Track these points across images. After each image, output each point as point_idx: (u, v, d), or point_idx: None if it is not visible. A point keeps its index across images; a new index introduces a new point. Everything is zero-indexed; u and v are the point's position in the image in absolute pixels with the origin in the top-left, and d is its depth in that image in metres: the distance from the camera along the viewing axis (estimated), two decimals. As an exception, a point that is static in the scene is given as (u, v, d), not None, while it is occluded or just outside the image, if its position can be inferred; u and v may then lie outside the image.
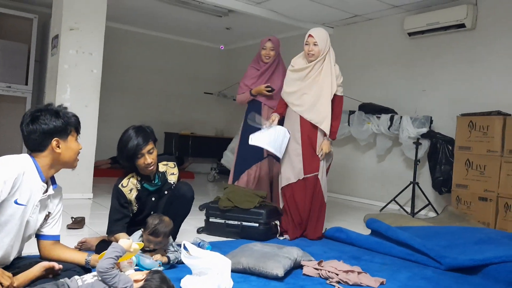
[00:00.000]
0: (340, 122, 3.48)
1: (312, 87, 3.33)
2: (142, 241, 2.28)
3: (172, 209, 2.51)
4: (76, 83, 4.44)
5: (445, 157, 4.71)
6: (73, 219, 3.21)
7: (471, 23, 4.79)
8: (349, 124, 5.69)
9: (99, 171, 6.44)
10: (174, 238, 2.60)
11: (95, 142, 4.58)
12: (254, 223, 3.13)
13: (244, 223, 3.13)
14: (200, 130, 8.27)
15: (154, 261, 2.19)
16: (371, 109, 5.45)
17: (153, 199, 2.49)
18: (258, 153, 3.65)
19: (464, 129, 4.42)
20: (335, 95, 3.43)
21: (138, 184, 2.44)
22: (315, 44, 3.32)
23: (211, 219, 3.24)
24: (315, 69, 3.38)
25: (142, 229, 2.31)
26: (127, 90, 7.63)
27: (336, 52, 6.50)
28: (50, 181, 1.89)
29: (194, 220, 3.54)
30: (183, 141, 7.84)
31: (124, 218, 2.39)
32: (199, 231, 3.29)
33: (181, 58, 8.20)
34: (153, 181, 2.48)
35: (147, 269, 2.15)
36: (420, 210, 4.95)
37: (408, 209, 5.01)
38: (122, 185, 2.41)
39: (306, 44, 3.37)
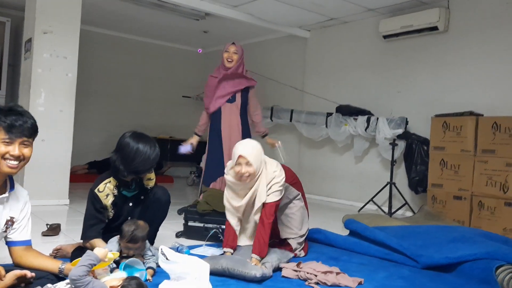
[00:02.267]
0: None
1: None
2: (120, 248, 2.26)
3: (148, 213, 2.49)
4: (51, 88, 4.37)
5: (421, 157, 4.80)
6: (48, 226, 3.15)
7: (443, 26, 4.90)
8: (326, 126, 5.74)
9: (76, 177, 6.33)
10: (152, 243, 2.58)
11: (70, 147, 4.50)
12: (233, 226, 3.11)
13: (223, 227, 3.11)
14: (179, 134, 8.20)
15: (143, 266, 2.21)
16: (348, 111, 5.51)
17: (130, 204, 2.47)
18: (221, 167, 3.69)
19: (438, 130, 4.51)
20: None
21: (115, 189, 2.41)
22: (248, 165, 2.52)
23: (189, 223, 3.22)
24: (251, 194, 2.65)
25: (118, 236, 2.28)
26: (104, 94, 7.53)
27: (312, 55, 6.57)
28: (8, 184, 1.81)
29: (173, 224, 3.51)
30: (161, 145, 7.53)
31: (99, 224, 2.36)
32: (178, 235, 3.26)
33: (159, 61, 8.14)
34: (131, 187, 2.45)
35: (139, 270, 2.15)
36: (397, 210, 5.02)
37: (386, 209, 5.08)
38: (98, 190, 2.38)
39: (237, 165, 2.55)
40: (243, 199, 2.61)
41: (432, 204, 4.50)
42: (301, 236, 2.79)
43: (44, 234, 3.07)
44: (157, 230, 2.62)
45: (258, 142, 2.70)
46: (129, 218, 2.47)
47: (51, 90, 4.37)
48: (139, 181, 2.50)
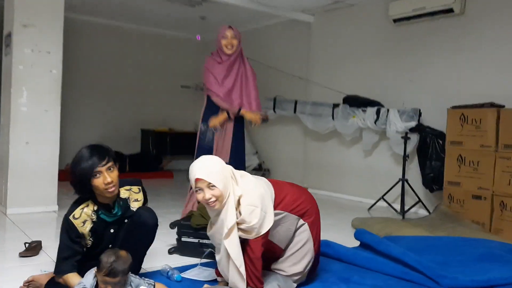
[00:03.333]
0: None
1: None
2: (96, 282, 1.95)
3: (132, 239, 2.16)
4: (33, 86, 4.03)
5: (436, 152, 4.44)
6: (26, 245, 2.85)
7: (459, 8, 4.48)
8: (333, 118, 5.38)
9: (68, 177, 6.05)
10: (138, 271, 2.27)
11: (57, 149, 4.18)
12: (231, 242, 2.80)
13: (220, 242, 2.80)
14: (178, 126, 7.89)
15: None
16: (356, 102, 5.14)
17: (111, 231, 2.14)
18: None
19: (455, 123, 4.14)
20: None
21: (93, 215, 2.08)
22: (211, 187, 2.06)
23: (183, 239, 2.91)
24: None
25: (95, 268, 1.97)
26: (98, 87, 7.20)
27: (317, 41, 6.16)
28: None
29: (166, 236, 3.20)
30: (160, 138, 7.47)
31: (75, 256, 2.04)
32: (171, 251, 2.96)
33: (155, 50, 7.76)
34: (112, 210, 2.12)
35: None
36: (410, 208, 4.69)
37: (397, 206, 4.74)
38: (73, 216, 2.05)
39: (198, 192, 2.09)
40: (213, 228, 2.19)
41: (448, 203, 4.16)
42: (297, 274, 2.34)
43: (22, 255, 2.77)
44: (143, 257, 2.31)
45: (219, 158, 2.20)
46: (110, 246, 2.15)
47: (34, 89, 4.03)
48: (124, 204, 2.17)
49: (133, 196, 2.22)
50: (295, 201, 2.29)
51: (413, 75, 4.94)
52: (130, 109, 7.51)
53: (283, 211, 2.23)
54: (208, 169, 2.07)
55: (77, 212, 2.06)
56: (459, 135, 4.11)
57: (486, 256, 2.53)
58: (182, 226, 2.92)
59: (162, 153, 7.45)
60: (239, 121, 3.64)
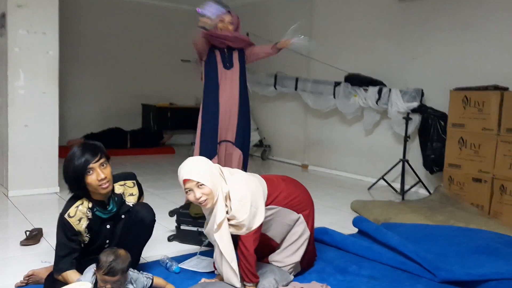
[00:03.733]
0: None
1: None
2: (96, 280, 1.98)
3: (130, 235, 2.18)
4: (30, 68, 3.98)
5: (437, 133, 4.41)
6: (27, 233, 2.88)
7: (466, -15, 4.35)
8: (334, 97, 5.32)
9: (71, 152, 6.07)
10: (136, 265, 2.29)
11: (57, 131, 4.17)
12: (230, 230, 2.82)
13: (218, 231, 2.82)
14: (179, 101, 7.83)
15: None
16: (357, 81, 5.07)
17: (107, 226, 2.15)
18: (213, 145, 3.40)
19: (457, 105, 4.09)
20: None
21: (88, 212, 2.09)
22: (200, 186, 2.05)
23: (182, 227, 2.93)
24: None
25: (94, 266, 1.99)
26: (98, 61, 7.11)
27: (319, 17, 6.02)
28: None
29: (167, 221, 3.23)
30: (161, 114, 7.43)
31: (73, 253, 2.06)
32: (170, 239, 2.98)
33: (154, 23, 7.61)
34: (107, 207, 2.13)
35: None
36: (409, 189, 4.70)
37: (397, 186, 4.75)
38: (68, 214, 2.06)
39: (188, 193, 2.09)
40: (208, 225, 2.20)
41: (448, 185, 4.16)
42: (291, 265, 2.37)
43: (23, 243, 2.80)
44: (141, 252, 2.33)
45: (205, 158, 2.20)
46: (107, 241, 2.17)
47: (31, 71, 3.98)
48: (119, 200, 2.17)
49: (128, 191, 2.22)
50: (290, 195, 2.30)
51: (416, 54, 4.85)
52: (130, 84, 7.45)
53: (276, 206, 2.25)
54: (194, 169, 2.08)
55: (72, 210, 2.06)
56: (461, 117, 4.06)
57: (482, 249, 2.54)
58: (181, 215, 2.94)
59: (163, 128, 7.43)
60: (244, 97, 3.56)
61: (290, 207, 2.29)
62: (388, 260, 2.67)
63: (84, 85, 6.99)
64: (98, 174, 2.02)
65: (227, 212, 2.11)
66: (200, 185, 2.05)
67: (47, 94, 4.07)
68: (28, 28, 3.93)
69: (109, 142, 6.57)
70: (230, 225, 2.12)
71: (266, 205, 2.20)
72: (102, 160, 2.05)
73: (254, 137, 6.74)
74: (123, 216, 2.19)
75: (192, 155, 3.49)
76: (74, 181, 2.05)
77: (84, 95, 7.02)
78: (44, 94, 4.05)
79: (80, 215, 2.07)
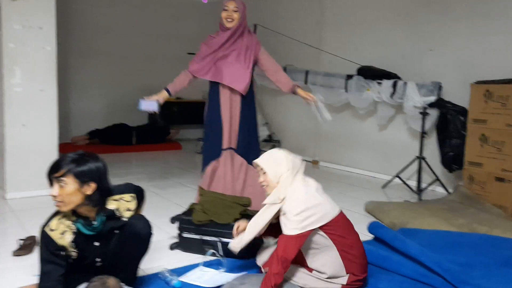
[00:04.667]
0: None
1: None
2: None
3: (124, 251, 1.98)
4: (27, 65, 3.79)
5: (456, 129, 4.15)
6: (21, 242, 2.71)
7: (488, -31, 4.06)
8: (346, 91, 5.08)
9: (76, 149, 5.90)
10: (134, 281, 2.10)
11: (56, 129, 3.99)
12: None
13: (223, 239, 2.63)
14: (186, 95, 7.61)
15: None
16: (371, 74, 4.82)
17: (96, 244, 1.95)
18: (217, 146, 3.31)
19: (479, 99, 3.83)
20: None
21: (72, 225, 1.89)
22: (263, 173, 2.27)
23: (184, 235, 2.74)
24: None
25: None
26: (103, 54, 6.93)
27: (330, 6, 5.76)
28: None
29: (169, 226, 3.03)
30: (167, 108, 7.21)
31: (57, 270, 1.85)
32: (172, 247, 2.80)
33: (161, 15, 7.40)
34: (93, 223, 1.92)
35: None
36: (426, 187, 4.45)
37: (413, 183, 4.51)
38: (50, 228, 1.86)
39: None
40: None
41: (468, 184, 3.92)
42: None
43: (16, 254, 2.63)
44: (138, 267, 2.13)
45: (285, 153, 2.30)
46: (97, 259, 1.97)
47: (27, 68, 3.80)
48: (109, 216, 1.96)
49: (124, 206, 2.01)
50: (352, 246, 2.17)
51: (433, 45, 4.57)
52: (136, 77, 7.26)
53: (328, 238, 2.11)
54: (266, 156, 2.29)
55: (53, 223, 1.87)
56: (482, 113, 3.81)
57: (512, 261, 2.32)
58: (184, 222, 2.74)
59: (170, 123, 7.24)
60: (246, 97, 3.37)
61: (344, 257, 2.12)
62: (408, 272, 2.46)
63: (89, 79, 6.82)
64: (52, 189, 1.83)
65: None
66: (263, 171, 2.22)
67: (45, 91, 3.89)
68: (24, 23, 3.74)
69: (114, 139, 6.44)
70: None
71: (324, 228, 2.10)
72: (60, 176, 1.79)
73: (263, 132, 6.53)
74: (116, 232, 1.99)
75: (199, 151, 3.42)
76: None
77: (89, 89, 6.86)
78: (42, 92, 3.87)
79: (63, 228, 1.87)
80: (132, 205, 2.02)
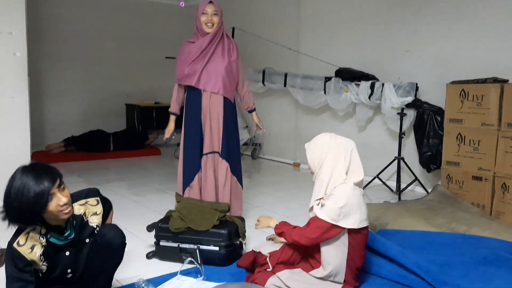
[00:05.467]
0: None
1: None
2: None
3: (96, 262, 1.91)
4: (-4, 71, 3.69)
5: (434, 129, 4.18)
6: (-8, 255, 2.61)
7: (461, -29, 4.11)
8: (325, 93, 5.07)
9: (51, 157, 5.79)
10: (107, 290, 2.04)
11: (28, 137, 3.88)
12: (214, 246, 2.58)
13: (201, 247, 2.58)
14: (165, 99, 7.52)
15: None
16: (349, 76, 4.82)
17: (67, 253, 1.88)
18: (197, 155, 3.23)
19: (455, 99, 3.86)
20: None
21: (42, 238, 1.81)
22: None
23: (162, 243, 2.68)
24: None
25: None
26: (79, 60, 6.81)
27: (305, 9, 5.75)
28: None
29: (146, 235, 2.95)
30: (146, 113, 7.14)
31: (26, 287, 1.78)
32: (149, 256, 2.73)
33: (136, 19, 7.31)
34: (64, 231, 1.85)
35: None
36: (406, 187, 4.47)
37: (393, 184, 4.53)
38: (18, 243, 1.77)
39: None
40: None
41: (447, 184, 3.95)
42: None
43: (-15, 267, 2.53)
44: (111, 279, 2.06)
45: (328, 137, 2.26)
46: (69, 270, 1.90)
47: (-3, 74, 3.69)
48: (78, 222, 1.90)
49: (91, 210, 1.94)
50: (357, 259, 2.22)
51: (409, 46, 4.61)
52: (113, 83, 7.16)
53: (346, 237, 2.13)
54: (313, 142, 2.28)
55: (21, 238, 1.78)
56: (459, 112, 3.84)
57: (490, 259, 2.31)
58: (161, 229, 2.68)
59: (148, 128, 7.15)
60: (228, 100, 3.29)
61: (349, 265, 2.16)
62: (388, 274, 2.45)
63: (63, 85, 6.69)
64: (59, 199, 1.72)
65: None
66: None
67: (15, 98, 3.78)
68: (-8, 28, 3.63)
69: (90, 146, 6.32)
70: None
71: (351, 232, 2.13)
72: (58, 182, 1.74)
73: (244, 136, 6.49)
74: (87, 240, 1.92)
75: (178, 157, 3.35)
76: (28, 216, 1.73)
77: (64, 96, 6.72)
78: (12, 99, 3.76)
79: (32, 242, 1.79)
80: (98, 209, 1.96)
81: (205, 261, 2.54)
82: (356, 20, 5.11)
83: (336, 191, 2.10)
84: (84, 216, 1.91)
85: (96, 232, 1.94)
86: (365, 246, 2.24)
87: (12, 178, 1.70)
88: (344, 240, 2.12)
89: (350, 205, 2.08)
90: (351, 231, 2.11)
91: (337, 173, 2.14)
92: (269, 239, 2.51)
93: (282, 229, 2.25)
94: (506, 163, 3.56)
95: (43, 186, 1.68)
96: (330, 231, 2.08)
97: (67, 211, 1.76)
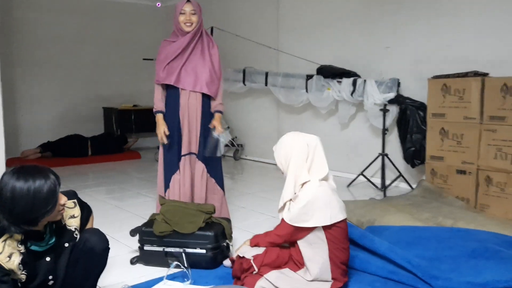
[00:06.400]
0: None
1: None
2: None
3: (79, 268, 1.82)
4: (-34, 74, 3.53)
5: (416, 125, 4.18)
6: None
7: (438, -33, 4.13)
8: (307, 91, 5.04)
9: (28, 164, 5.59)
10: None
11: (3, 145, 3.69)
12: (200, 249, 2.50)
13: (187, 250, 2.50)
14: (143, 102, 7.40)
15: None
16: (330, 73, 4.81)
17: (47, 259, 1.79)
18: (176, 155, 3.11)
19: (437, 94, 3.87)
20: None
21: (20, 245, 1.71)
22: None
23: (146, 247, 2.59)
24: None
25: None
26: (53, 63, 6.64)
27: (284, 8, 5.71)
28: None
29: (129, 240, 2.86)
30: (124, 117, 6.99)
31: (5, 298, 1.69)
32: (133, 262, 2.64)
33: (112, 21, 7.18)
34: (44, 237, 1.75)
35: None
36: (390, 184, 4.46)
37: (377, 181, 4.53)
38: None
39: None
40: None
41: (431, 178, 3.95)
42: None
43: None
44: (95, 286, 1.97)
45: (292, 135, 2.28)
46: (50, 277, 1.80)
47: (-33, 78, 3.53)
48: (56, 226, 1.80)
49: (68, 213, 1.84)
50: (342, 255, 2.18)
51: (389, 42, 4.61)
52: (89, 86, 7.00)
53: (324, 237, 2.11)
54: (279, 143, 2.28)
55: None
56: (441, 107, 3.85)
57: (479, 252, 2.30)
58: (144, 234, 2.59)
59: (127, 132, 7.00)
60: (207, 100, 3.21)
61: (332, 260, 2.12)
62: (377, 270, 2.41)
63: (38, 90, 6.51)
64: (60, 198, 1.70)
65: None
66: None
67: (-12, 102, 3.62)
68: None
69: (68, 151, 6.15)
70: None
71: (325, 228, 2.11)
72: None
73: (225, 137, 6.42)
74: (66, 245, 1.82)
75: (158, 160, 3.22)
76: (33, 219, 1.64)
77: (39, 101, 6.54)
78: (-16, 104, 3.60)
79: (9, 250, 1.69)
80: (76, 211, 1.87)
81: (192, 265, 2.46)
82: (335, 18, 5.09)
83: (301, 192, 2.12)
84: (62, 219, 1.81)
85: (75, 235, 1.85)
86: (346, 239, 2.21)
87: (6, 181, 1.61)
88: (321, 236, 2.11)
89: (315, 203, 2.07)
90: (325, 227, 2.10)
91: (302, 170, 2.15)
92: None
93: (256, 240, 2.31)
94: (489, 155, 3.58)
95: (52, 184, 1.65)
96: (299, 233, 2.12)
97: (63, 211, 1.75)
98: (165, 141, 3.04)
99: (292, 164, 2.16)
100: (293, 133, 2.28)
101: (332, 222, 2.08)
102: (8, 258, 1.68)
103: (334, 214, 2.10)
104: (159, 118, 3.10)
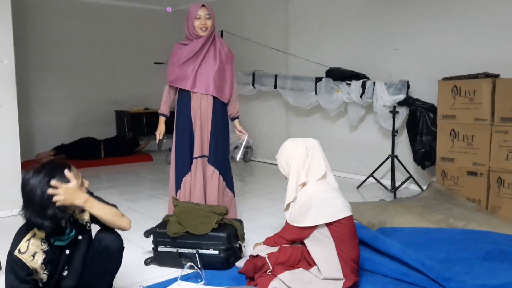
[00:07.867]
0: None
1: None
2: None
3: (95, 268, 1.86)
4: (-17, 80, 3.61)
5: (427, 126, 4.19)
6: (-17, 268, 2.54)
7: (448, -32, 4.14)
8: (316, 93, 5.06)
9: (40, 166, 5.67)
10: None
11: (18, 147, 3.80)
12: (214, 250, 2.54)
13: (200, 251, 2.54)
14: (154, 105, 7.45)
15: None
16: (339, 75, 4.82)
17: (67, 252, 1.84)
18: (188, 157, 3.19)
19: (447, 95, 3.87)
20: None
21: (43, 244, 1.77)
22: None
23: (160, 248, 2.63)
24: None
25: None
26: (67, 67, 6.73)
27: (293, 10, 5.74)
28: None
29: (143, 241, 2.91)
30: (136, 119, 7.07)
31: (27, 299, 1.73)
32: (147, 262, 2.68)
33: (124, 25, 7.26)
34: (66, 232, 1.80)
35: None
36: (400, 185, 4.47)
37: (387, 182, 4.53)
38: (19, 251, 1.73)
39: None
40: None
41: (442, 180, 3.95)
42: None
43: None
44: (111, 283, 2.01)
45: (291, 141, 2.39)
46: (65, 267, 1.85)
47: (-17, 83, 3.61)
48: (73, 219, 1.86)
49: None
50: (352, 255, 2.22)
51: (398, 43, 4.62)
52: (102, 90, 7.08)
53: (330, 235, 2.16)
54: (281, 149, 2.38)
55: (22, 246, 1.73)
56: (451, 108, 3.85)
57: (493, 254, 2.31)
58: (158, 235, 2.63)
59: (139, 135, 7.07)
60: (219, 103, 3.26)
61: (341, 256, 2.15)
62: (390, 272, 2.43)
63: (52, 93, 6.60)
64: (84, 182, 1.90)
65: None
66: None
67: (4, 107, 3.70)
68: (-22, 36, 3.56)
69: (81, 153, 6.22)
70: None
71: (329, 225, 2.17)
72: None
73: (234, 139, 6.46)
74: (80, 238, 1.87)
75: (169, 162, 3.30)
76: (63, 209, 1.74)
77: (53, 104, 6.63)
78: (0, 108, 3.68)
79: (33, 249, 1.74)
80: None
81: (205, 266, 2.50)
82: (344, 20, 5.11)
83: (299, 193, 2.24)
84: (74, 214, 1.87)
85: (88, 228, 1.90)
86: (354, 235, 2.24)
87: (34, 183, 1.69)
88: (325, 233, 2.16)
89: (312, 203, 2.16)
90: (329, 224, 2.15)
91: (301, 172, 2.26)
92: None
93: (269, 241, 2.41)
94: (501, 157, 3.58)
95: (74, 171, 1.84)
96: (303, 232, 2.19)
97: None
98: (160, 137, 3.28)
99: (293, 167, 2.27)
100: (292, 139, 2.40)
101: (332, 220, 2.14)
102: (32, 257, 1.73)
103: (335, 212, 2.15)
104: (160, 120, 3.32)
